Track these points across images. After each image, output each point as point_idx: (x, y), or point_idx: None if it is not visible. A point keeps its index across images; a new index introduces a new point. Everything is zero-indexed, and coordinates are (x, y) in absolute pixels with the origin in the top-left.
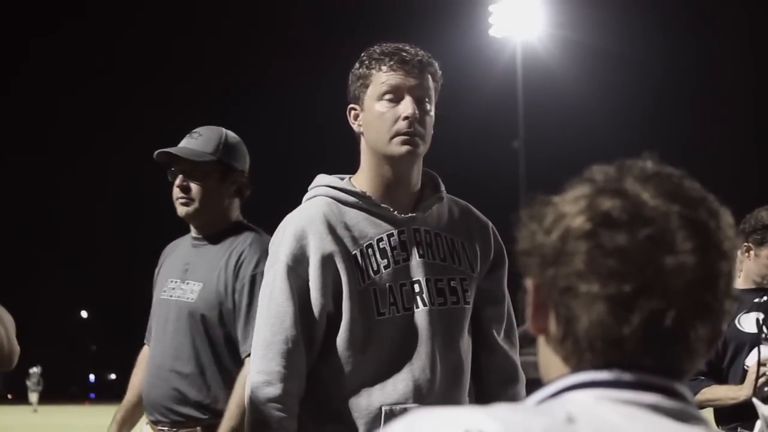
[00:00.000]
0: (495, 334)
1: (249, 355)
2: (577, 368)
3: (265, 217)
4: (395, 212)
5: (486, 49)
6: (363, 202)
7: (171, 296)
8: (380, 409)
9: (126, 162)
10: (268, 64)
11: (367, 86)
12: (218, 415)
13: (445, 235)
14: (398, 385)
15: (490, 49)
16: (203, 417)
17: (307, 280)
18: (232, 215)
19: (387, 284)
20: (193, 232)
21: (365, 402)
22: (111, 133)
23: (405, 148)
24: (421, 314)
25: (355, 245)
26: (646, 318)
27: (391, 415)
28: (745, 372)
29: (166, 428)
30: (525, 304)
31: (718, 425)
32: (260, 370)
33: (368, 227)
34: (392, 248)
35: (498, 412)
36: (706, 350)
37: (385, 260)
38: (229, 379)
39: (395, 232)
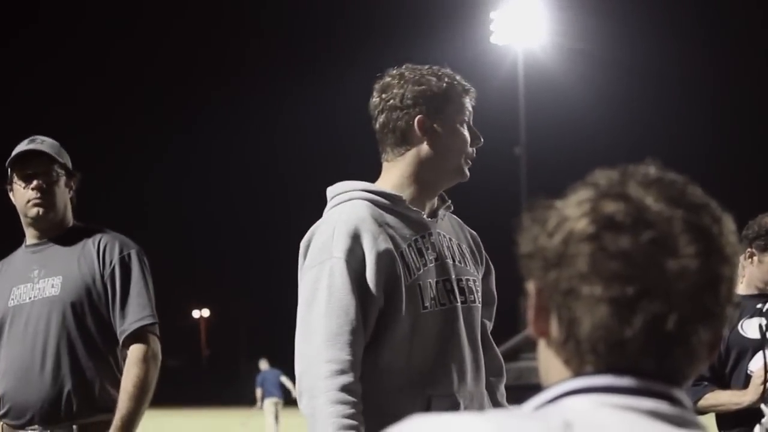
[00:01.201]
0: (488, 333)
1: (130, 336)
2: (578, 371)
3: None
4: (424, 215)
5: (487, 56)
6: (398, 206)
7: (25, 299)
8: (429, 398)
9: None
10: (264, 72)
11: (453, 107)
12: (97, 409)
13: (454, 240)
14: (442, 376)
15: (492, 56)
16: (79, 413)
17: (363, 275)
18: (71, 218)
19: (427, 280)
20: (32, 239)
21: (415, 392)
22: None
23: (467, 172)
24: (454, 310)
25: (400, 244)
26: (649, 321)
27: (438, 404)
28: (748, 377)
29: (38, 430)
30: (526, 307)
31: (720, 430)
32: (331, 360)
33: (404, 228)
34: (426, 248)
35: (494, 417)
36: (707, 355)
37: (423, 259)
38: (106, 368)
39: (426, 234)
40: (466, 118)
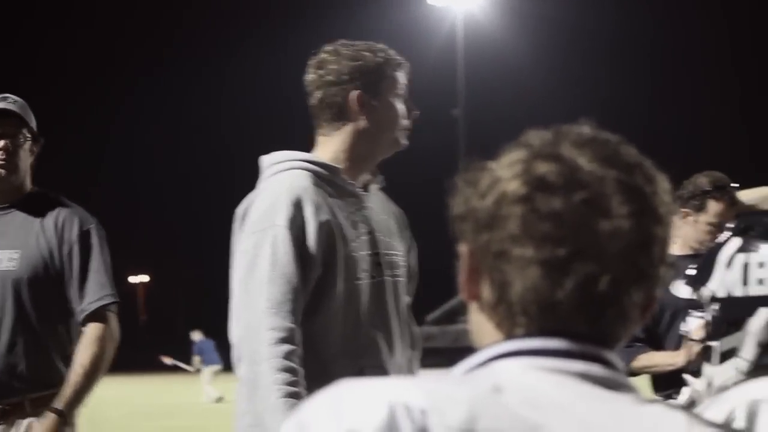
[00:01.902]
0: (408, 308)
1: (90, 315)
2: (510, 334)
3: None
4: (359, 189)
5: (426, 17)
6: (336, 178)
7: None
8: (361, 368)
9: None
10: (191, 38)
11: (388, 81)
12: (49, 384)
13: (382, 215)
14: (373, 347)
15: (430, 17)
16: (33, 387)
17: (304, 244)
18: (29, 183)
19: (360, 252)
20: None
21: (348, 362)
22: None
23: (405, 142)
24: (383, 283)
25: (339, 215)
26: (581, 282)
27: (370, 375)
28: (681, 338)
29: None
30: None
31: (654, 391)
32: (275, 327)
33: (341, 200)
34: (360, 221)
35: (423, 382)
36: (639, 317)
37: (357, 231)
38: (60, 344)
39: (360, 207)
40: (400, 92)
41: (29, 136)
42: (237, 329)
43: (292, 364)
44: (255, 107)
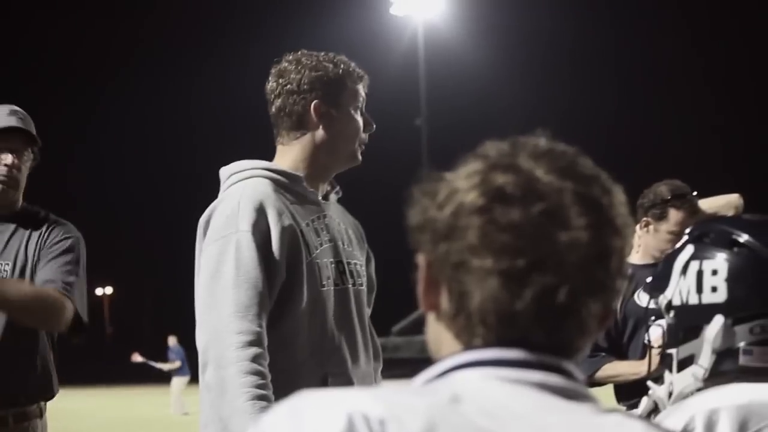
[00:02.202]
0: (369, 316)
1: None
2: (468, 345)
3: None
4: (319, 198)
5: (387, 27)
6: (297, 186)
7: None
8: (325, 376)
9: None
10: (149, 45)
11: (348, 93)
12: (32, 397)
13: (342, 225)
14: (337, 354)
15: (392, 27)
16: (17, 401)
17: (269, 249)
18: (22, 198)
19: (325, 259)
20: None
21: (311, 368)
22: None
23: (360, 157)
24: (347, 291)
25: (300, 222)
26: (539, 293)
27: (333, 382)
28: (645, 347)
29: None
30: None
31: (618, 401)
32: (241, 331)
33: (303, 208)
34: (321, 229)
35: (382, 393)
36: (597, 328)
37: (319, 239)
38: (44, 357)
39: (321, 215)
40: (360, 105)
41: (33, 153)
42: (203, 334)
43: (260, 368)
44: (216, 117)
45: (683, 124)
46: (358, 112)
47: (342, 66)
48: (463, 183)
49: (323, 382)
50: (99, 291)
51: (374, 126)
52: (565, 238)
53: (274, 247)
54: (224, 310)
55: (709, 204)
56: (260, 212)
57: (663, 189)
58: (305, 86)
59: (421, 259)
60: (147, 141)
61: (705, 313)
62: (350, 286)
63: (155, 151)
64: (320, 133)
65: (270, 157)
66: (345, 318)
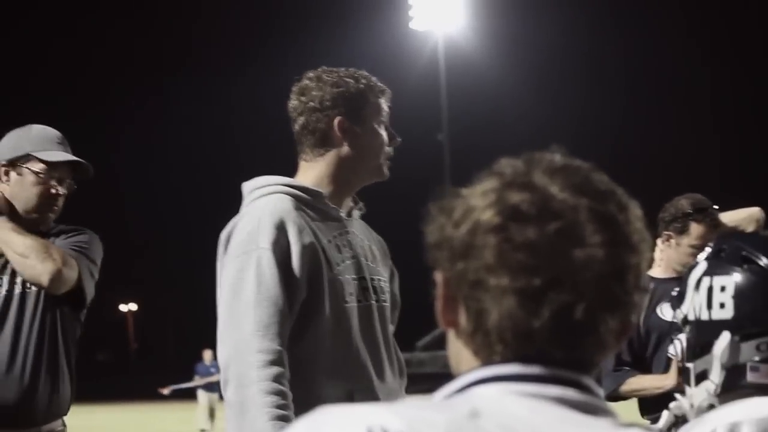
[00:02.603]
0: (393, 334)
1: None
2: (487, 361)
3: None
4: (342, 214)
5: (407, 42)
6: (318, 202)
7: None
8: (350, 392)
9: None
10: (176, 64)
11: (371, 108)
12: (56, 414)
13: (366, 241)
14: (363, 370)
15: (412, 42)
16: (44, 417)
17: (289, 266)
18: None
19: (347, 276)
20: None
21: (336, 384)
22: None
23: (387, 171)
24: (370, 308)
25: (322, 238)
26: (556, 311)
27: (359, 398)
28: (668, 361)
29: None
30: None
31: (642, 415)
32: (262, 350)
33: (324, 224)
34: (344, 245)
35: (401, 408)
36: (615, 343)
37: (341, 255)
38: (66, 372)
39: (343, 231)
40: (383, 119)
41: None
42: (224, 352)
43: (281, 387)
44: (240, 133)
45: (702, 135)
46: (382, 126)
47: (363, 81)
48: (479, 201)
49: (348, 398)
50: (123, 307)
51: (399, 139)
52: (581, 255)
53: (295, 264)
54: (245, 328)
55: (730, 218)
56: (281, 229)
57: (684, 203)
58: (327, 103)
59: (438, 277)
60: (170, 158)
61: (715, 328)
62: (374, 302)
63: (178, 167)
64: (345, 149)
65: (291, 173)
66: (369, 334)
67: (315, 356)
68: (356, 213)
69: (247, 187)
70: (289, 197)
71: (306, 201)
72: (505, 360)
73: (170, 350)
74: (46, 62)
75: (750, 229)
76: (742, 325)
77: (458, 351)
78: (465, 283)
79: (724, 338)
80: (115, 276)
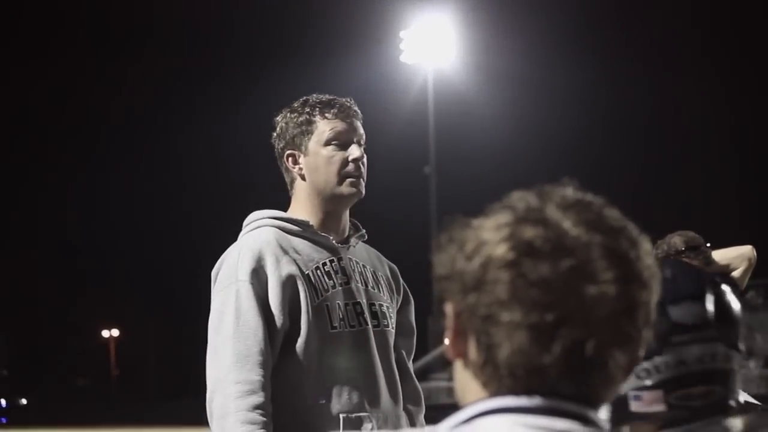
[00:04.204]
0: (407, 363)
1: None
2: (496, 393)
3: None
4: (334, 241)
5: (397, 75)
6: (307, 231)
7: None
8: (339, 416)
9: None
10: (160, 97)
11: (310, 133)
12: None
13: (368, 267)
14: (353, 395)
15: (402, 75)
16: None
17: (266, 298)
18: None
19: (336, 302)
20: None
21: (324, 410)
22: None
23: (353, 189)
24: (364, 333)
25: (306, 266)
26: (568, 347)
27: (349, 423)
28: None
29: None
30: (444, 327)
31: None
32: (240, 381)
33: (313, 252)
34: (335, 272)
35: None
36: (623, 377)
37: (332, 281)
38: None
39: (335, 258)
40: (332, 137)
41: None
42: (208, 386)
43: (259, 416)
44: (226, 166)
45: (694, 174)
46: (332, 145)
47: (308, 105)
48: (492, 235)
49: (335, 424)
50: (105, 333)
51: (361, 155)
52: (594, 292)
53: (272, 295)
54: (225, 360)
55: (722, 255)
56: (258, 261)
57: (677, 240)
58: (280, 137)
59: (449, 308)
60: (154, 184)
61: None
62: (370, 327)
63: (163, 195)
64: (302, 180)
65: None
66: (363, 359)
67: (301, 382)
68: (355, 239)
69: (245, 222)
70: (275, 229)
71: (295, 231)
72: (513, 393)
73: (151, 377)
74: None
75: (742, 267)
76: None
77: (466, 381)
78: (476, 316)
79: None
80: (98, 301)
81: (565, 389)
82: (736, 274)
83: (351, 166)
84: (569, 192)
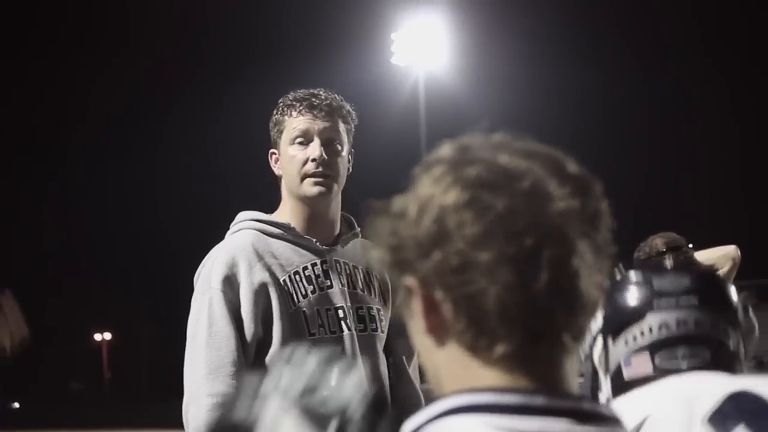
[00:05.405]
0: (406, 365)
1: None
2: (489, 349)
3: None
4: (317, 243)
5: (389, 77)
6: (288, 234)
7: None
8: None
9: None
10: (150, 101)
11: (282, 131)
12: None
13: (361, 268)
14: None
15: (393, 76)
16: None
17: (239, 306)
18: None
19: (315, 308)
20: None
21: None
22: None
23: (316, 189)
24: (346, 338)
25: (283, 272)
26: (554, 268)
27: None
28: None
29: None
30: (406, 314)
31: None
32: (211, 393)
33: (294, 256)
34: (316, 276)
35: None
36: (600, 296)
37: (311, 286)
38: None
39: (318, 261)
40: (298, 134)
41: None
42: (184, 396)
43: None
44: (217, 167)
45: (691, 176)
46: (296, 143)
47: (279, 106)
48: (434, 188)
49: None
50: (98, 336)
51: (320, 153)
52: (561, 206)
53: (244, 303)
54: (198, 371)
55: (705, 256)
56: (231, 267)
57: (658, 242)
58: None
59: (409, 281)
60: (145, 187)
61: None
62: (354, 332)
63: (155, 197)
64: (281, 179)
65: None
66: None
67: None
68: (346, 238)
69: (232, 222)
70: (254, 232)
71: (276, 234)
72: (511, 343)
73: (144, 380)
74: None
75: (726, 266)
76: (608, 325)
77: (443, 363)
78: (448, 271)
79: (599, 344)
80: (90, 305)
81: (561, 318)
82: (720, 274)
83: (310, 165)
84: (486, 136)
